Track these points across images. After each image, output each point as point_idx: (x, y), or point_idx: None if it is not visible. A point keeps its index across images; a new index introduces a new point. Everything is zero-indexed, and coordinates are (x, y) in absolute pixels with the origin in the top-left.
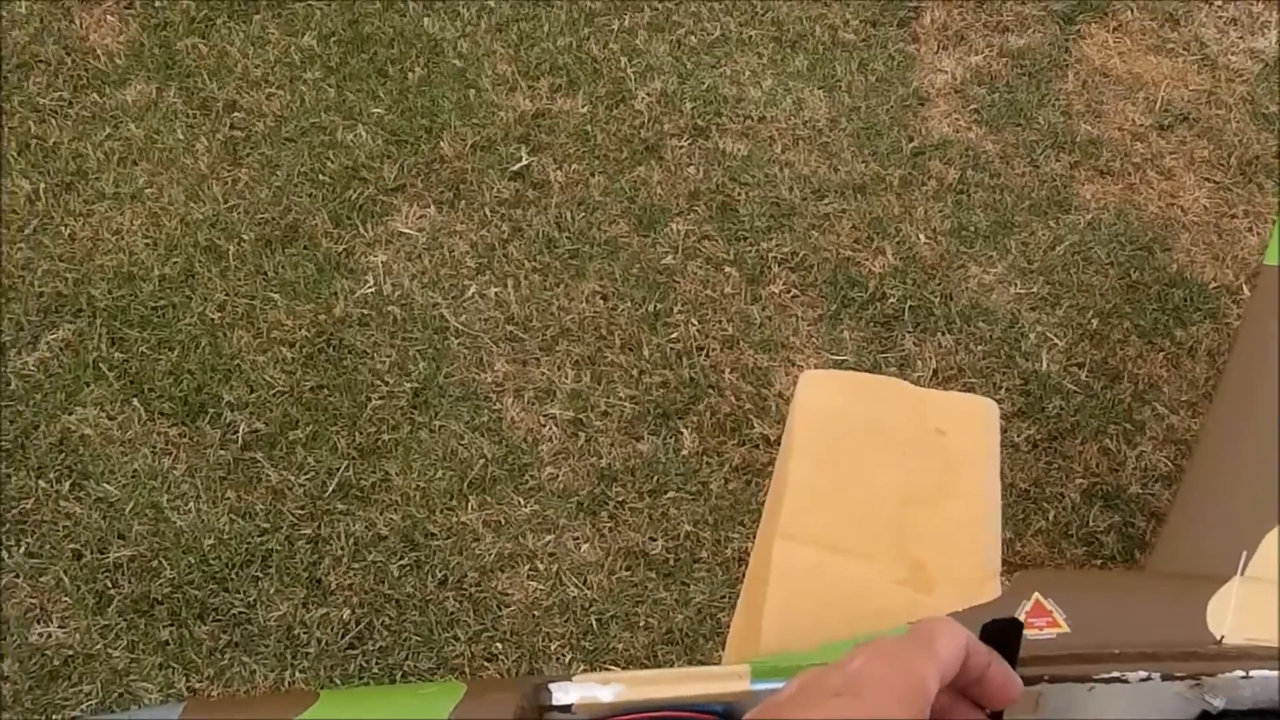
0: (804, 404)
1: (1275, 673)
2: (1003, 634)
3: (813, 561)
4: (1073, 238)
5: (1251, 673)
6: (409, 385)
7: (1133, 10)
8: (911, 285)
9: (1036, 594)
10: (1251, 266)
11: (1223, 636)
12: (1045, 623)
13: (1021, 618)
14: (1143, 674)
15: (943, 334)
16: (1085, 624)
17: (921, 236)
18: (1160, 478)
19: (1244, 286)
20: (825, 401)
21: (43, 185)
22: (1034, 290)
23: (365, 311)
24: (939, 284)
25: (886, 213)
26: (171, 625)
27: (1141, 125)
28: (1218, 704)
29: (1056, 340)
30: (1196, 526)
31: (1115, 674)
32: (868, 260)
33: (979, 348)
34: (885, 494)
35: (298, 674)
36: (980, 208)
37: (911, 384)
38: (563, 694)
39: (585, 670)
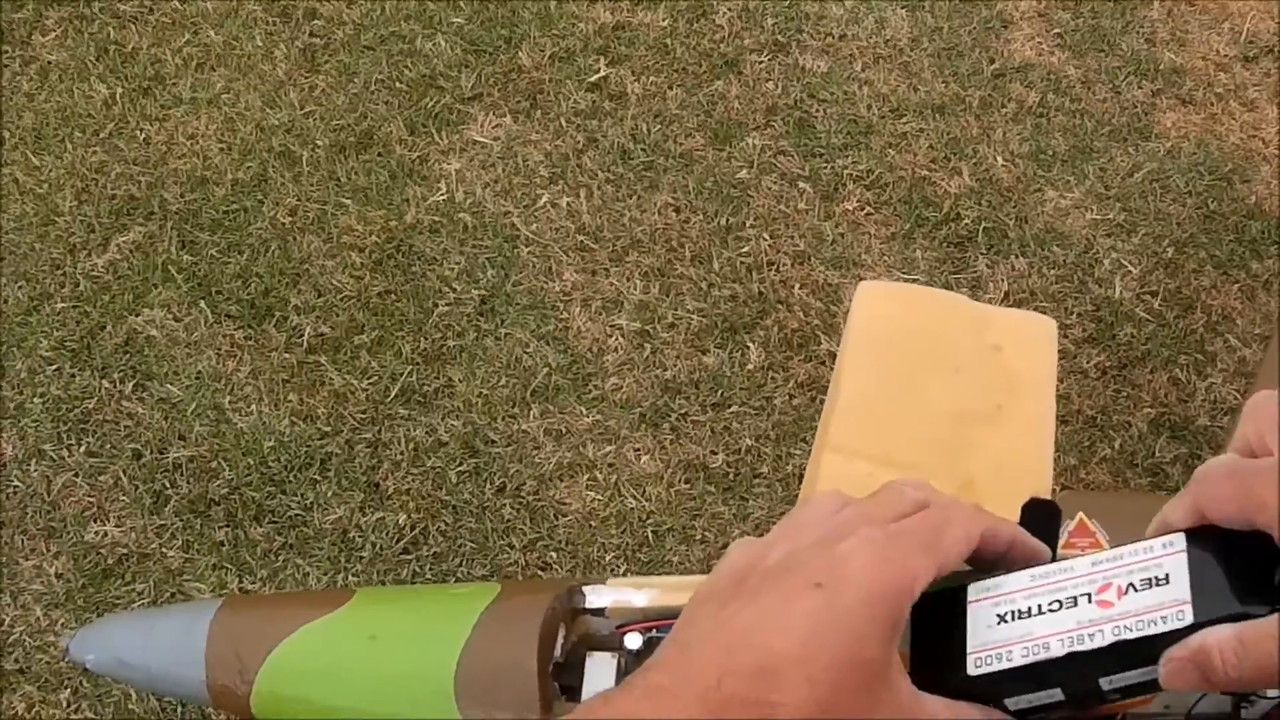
0: (859, 315)
1: None
2: (1038, 517)
3: (862, 474)
4: (1151, 165)
5: None
6: (477, 292)
7: None
8: (987, 207)
9: (1081, 514)
10: None
11: None
12: (1088, 543)
13: (1064, 538)
14: None
15: (1016, 257)
16: None
17: (999, 159)
18: (1230, 410)
19: None
20: (881, 313)
21: (120, 90)
22: (1110, 216)
23: (436, 219)
24: (1014, 207)
25: (964, 134)
26: (227, 526)
27: (1226, 56)
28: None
29: (1131, 267)
30: None
31: None
32: (944, 180)
33: (1052, 272)
34: (939, 409)
35: (350, 577)
36: (1059, 132)
37: (968, 298)
38: (596, 597)
39: None
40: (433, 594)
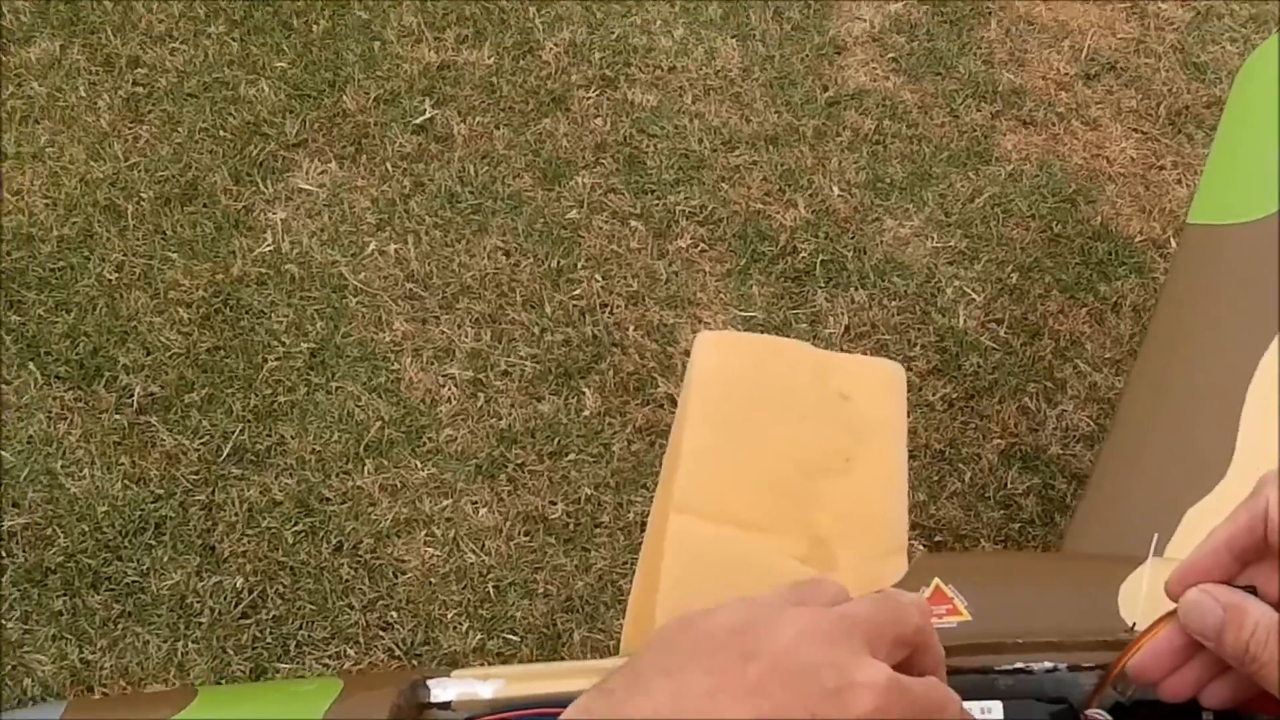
0: (700, 367)
1: None
2: None
3: (710, 536)
4: (993, 189)
5: None
6: (306, 345)
7: None
8: (824, 239)
9: (936, 580)
10: (1180, 219)
11: (1134, 624)
12: (945, 610)
13: None
14: (1048, 665)
15: (856, 289)
16: (988, 611)
17: (835, 189)
18: (1082, 438)
19: (1171, 240)
20: (722, 364)
21: None
22: (951, 244)
23: (263, 270)
24: (852, 238)
25: (799, 164)
26: (65, 595)
27: (1066, 74)
28: (1129, 696)
29: (974, 295)
30: (1112, 505)
31: (1019, 665)
32: (779, 213)
33: (893, 303)
34: (785, 463)
35: (190, 644)
36: (897, 159)
37: (814, 345)
38: (441, 690)
39: (480, 638)
40: (275, 691)
